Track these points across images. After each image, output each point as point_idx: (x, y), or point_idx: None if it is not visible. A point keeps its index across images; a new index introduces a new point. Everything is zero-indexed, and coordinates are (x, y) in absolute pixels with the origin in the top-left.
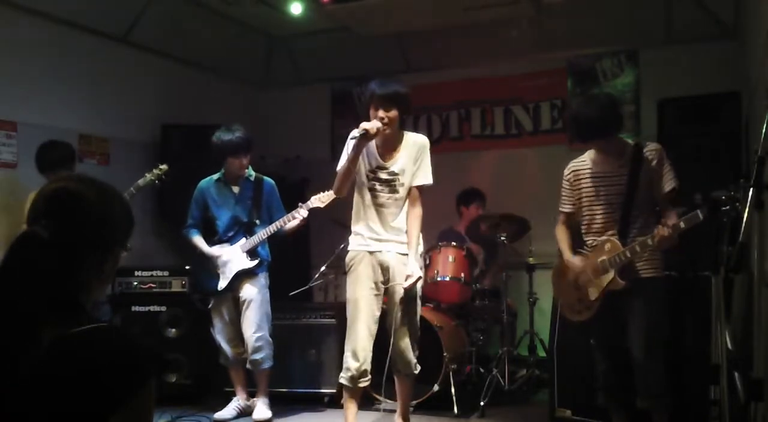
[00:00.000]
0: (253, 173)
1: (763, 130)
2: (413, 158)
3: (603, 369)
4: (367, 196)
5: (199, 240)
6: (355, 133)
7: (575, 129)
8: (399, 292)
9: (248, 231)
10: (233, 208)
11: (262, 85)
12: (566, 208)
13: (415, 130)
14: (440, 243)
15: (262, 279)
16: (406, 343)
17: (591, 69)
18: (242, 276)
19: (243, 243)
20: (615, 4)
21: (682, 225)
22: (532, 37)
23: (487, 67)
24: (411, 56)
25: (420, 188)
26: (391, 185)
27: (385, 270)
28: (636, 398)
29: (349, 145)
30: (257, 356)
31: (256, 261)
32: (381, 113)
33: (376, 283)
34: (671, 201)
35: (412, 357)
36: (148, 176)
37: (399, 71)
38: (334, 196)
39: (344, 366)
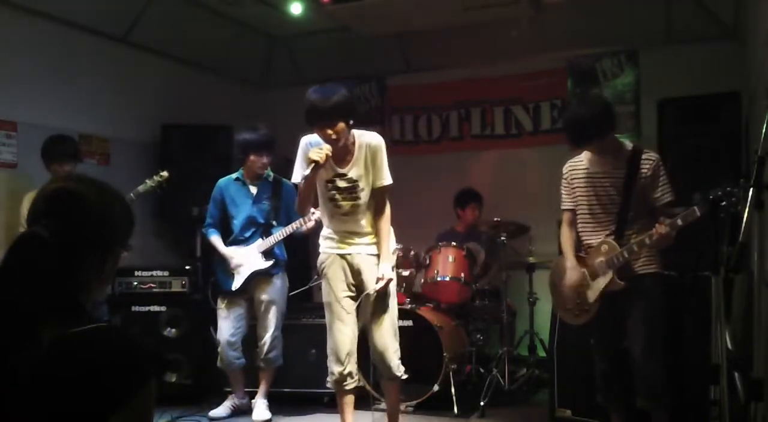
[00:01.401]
0: (271, 174)
1: (763, 130)
2: (368, 161)
3: (602, 370)
4: (329, 205)
5: (216, 240)
6: (306, 171)
7: (570, 134)
8: (371, 296)
9: (265, 232)
10: (250, 208)
11: (262, 85)
12: (567, 205)
13: (415, 129)
14: (440, 244)
15: (279, 281)
16: (384, 346)
17: (591, 69)
18: (257, 277)
19: (259, 244)
20: (615, 4)
21: (679, 222)
22: (532, 37)
23: (487, 67)
24: (411, 56)
25: (383, 189)
26: (351, 193)
27: (356, 272)
28: (635, 398)
29: (302, 163)
30: (272, 354)
31: (271, 262)
32: (328, 131)
33: (348, 285)
34: (666, 212)
35: (393, 361)
36: (149, 183)
37: (399, 71)
38: None
39: (329, 370)
